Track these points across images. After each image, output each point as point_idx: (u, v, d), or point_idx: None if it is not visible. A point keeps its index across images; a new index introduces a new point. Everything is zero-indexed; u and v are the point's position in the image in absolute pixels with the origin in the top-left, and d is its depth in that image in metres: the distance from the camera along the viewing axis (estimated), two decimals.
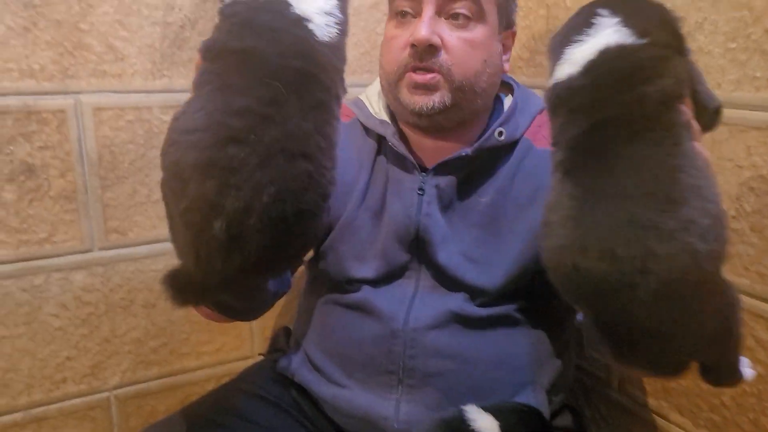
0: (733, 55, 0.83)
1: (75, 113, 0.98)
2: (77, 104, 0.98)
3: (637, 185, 0.55)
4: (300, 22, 0.63)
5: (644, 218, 0.54)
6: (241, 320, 0.77)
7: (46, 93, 0.95)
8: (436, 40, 0.78)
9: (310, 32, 0.63)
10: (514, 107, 0.87)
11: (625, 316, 0.56)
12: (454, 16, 0.80)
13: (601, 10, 0.62)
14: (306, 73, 0.62)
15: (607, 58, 0.60)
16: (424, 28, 0.78)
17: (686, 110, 0.59)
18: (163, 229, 1.09)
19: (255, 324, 1.20)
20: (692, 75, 0.62)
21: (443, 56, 0.79)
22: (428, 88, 0.80)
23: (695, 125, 0.60)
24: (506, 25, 0.87)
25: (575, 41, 0.62)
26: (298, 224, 0.60)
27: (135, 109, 1.02)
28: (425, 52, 0.79)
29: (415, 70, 0.80)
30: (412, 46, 0.79)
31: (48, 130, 0.96)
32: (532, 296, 0.84)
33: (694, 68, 0.63)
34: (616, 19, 0.61)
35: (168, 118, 1.04)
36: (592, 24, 0.61)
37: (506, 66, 0.89)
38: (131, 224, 1.05)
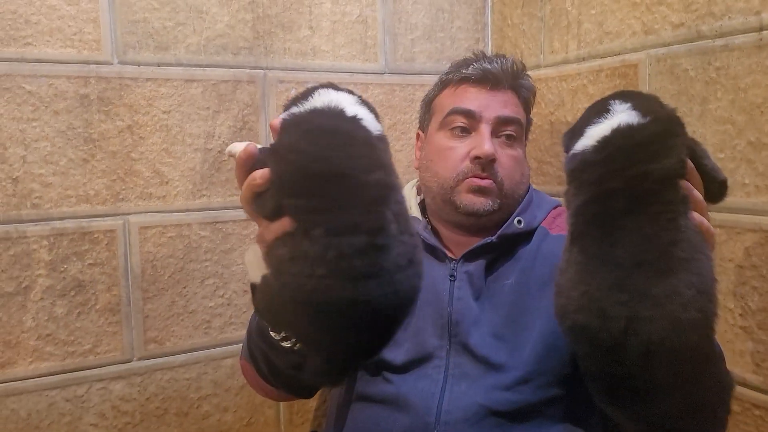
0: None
1: (123, 232, 1.08)
2: (125, 224, 1.08)
3: (630, 255, 0.62)
4: (354, 119, 0.66)
5: (632, 285, 0.61)
6: (302, 398, 0.95)
7: (98, 215, 1.06)
8: (497, 155, 0.92)
9: (367, 130, 0.66)
10: (529, 200, 0.98)
11: (610, 370, 0.63)
12: (507, 137, 0.95)
13: (613, 100, 0.73)
14: (386, 185, 0.64)
15: (617, 135, 0.68)
16: (489, 145, 0.91)
17: (687, 185, 0.65)
18: (198, 339, 1.15)
19: (284, 430, 1.22)
20: (698, 151, 0.69)
21: (497, 168, 0.93)
22: (485, 193, 0.92)
23: (699, 198, 0.66)
24: (526, 141, 1.02)
25: (594, 123, 0.71)
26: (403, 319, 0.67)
27: (176, 226, 1.12)
28: (487, 164, 0.91)
29: (475, 177, 0.92)
30: (477, 158, 0.91)
31: (98, 248, 1.06)
32: (559, 380, 0.87)
33: (700, 145, 0.70)
34: (627, 105, 0.70)
35: (206, 233, 1.14)
36: (608, 110, 0.71)
37: None
38: (168, 334, 1.12)
